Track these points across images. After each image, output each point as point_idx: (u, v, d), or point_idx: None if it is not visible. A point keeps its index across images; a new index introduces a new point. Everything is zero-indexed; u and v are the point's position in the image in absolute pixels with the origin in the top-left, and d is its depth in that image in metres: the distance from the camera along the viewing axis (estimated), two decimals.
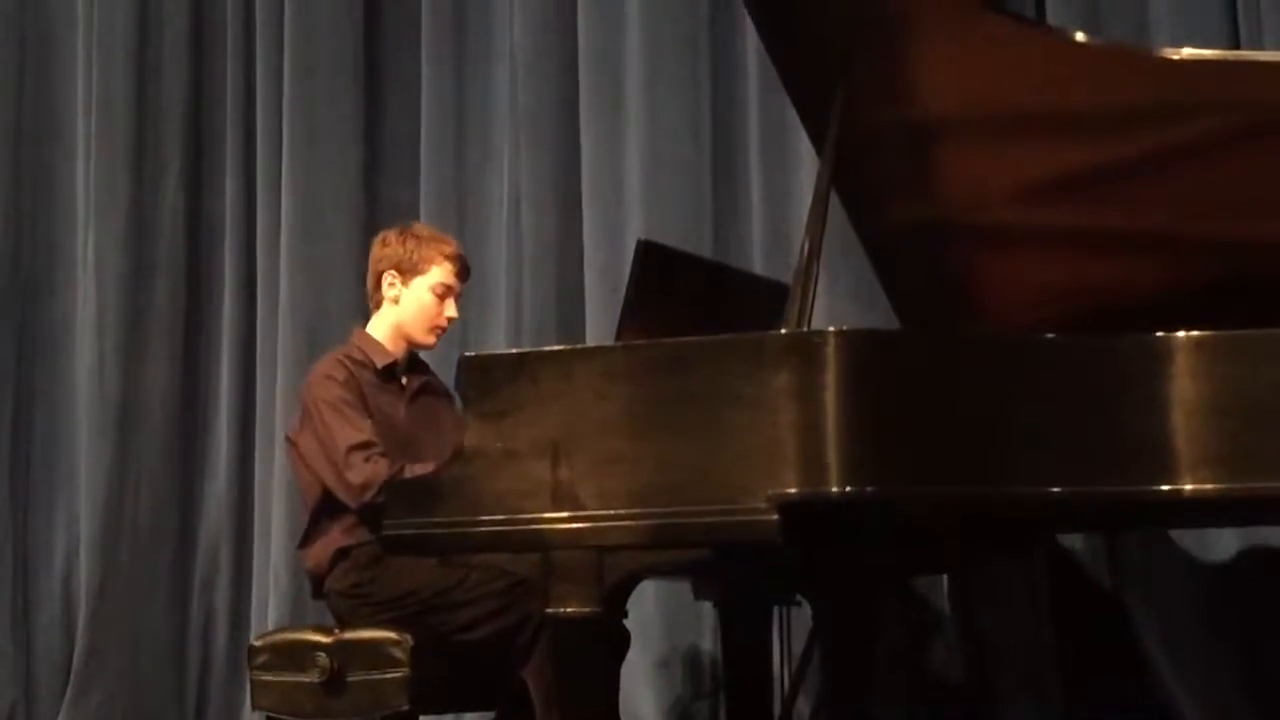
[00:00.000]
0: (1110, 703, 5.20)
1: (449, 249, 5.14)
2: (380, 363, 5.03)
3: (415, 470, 4.53)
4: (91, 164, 6.94)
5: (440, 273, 5.07)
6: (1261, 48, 5.32)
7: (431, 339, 5.06)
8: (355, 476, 4.72)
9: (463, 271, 5.18)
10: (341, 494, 4.79)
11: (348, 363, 4.98)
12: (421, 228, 5.28)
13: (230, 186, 6.87)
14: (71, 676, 6.64)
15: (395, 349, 5.07)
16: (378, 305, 5.14)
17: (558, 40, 6.34)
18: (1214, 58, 4.70)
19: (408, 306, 5.08)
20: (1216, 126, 4.39)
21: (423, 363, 5.13)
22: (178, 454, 6.81)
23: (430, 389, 5.05)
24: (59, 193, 7.12)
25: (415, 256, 5.08)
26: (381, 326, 5.11)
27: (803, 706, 5.21)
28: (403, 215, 6.31)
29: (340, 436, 4.81)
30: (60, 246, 7.10)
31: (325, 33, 6.69)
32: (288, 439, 5.11)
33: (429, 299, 5.06)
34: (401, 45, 6.74)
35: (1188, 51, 4.58)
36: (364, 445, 4.77)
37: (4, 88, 7.13)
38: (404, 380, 5.08)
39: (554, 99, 6.34)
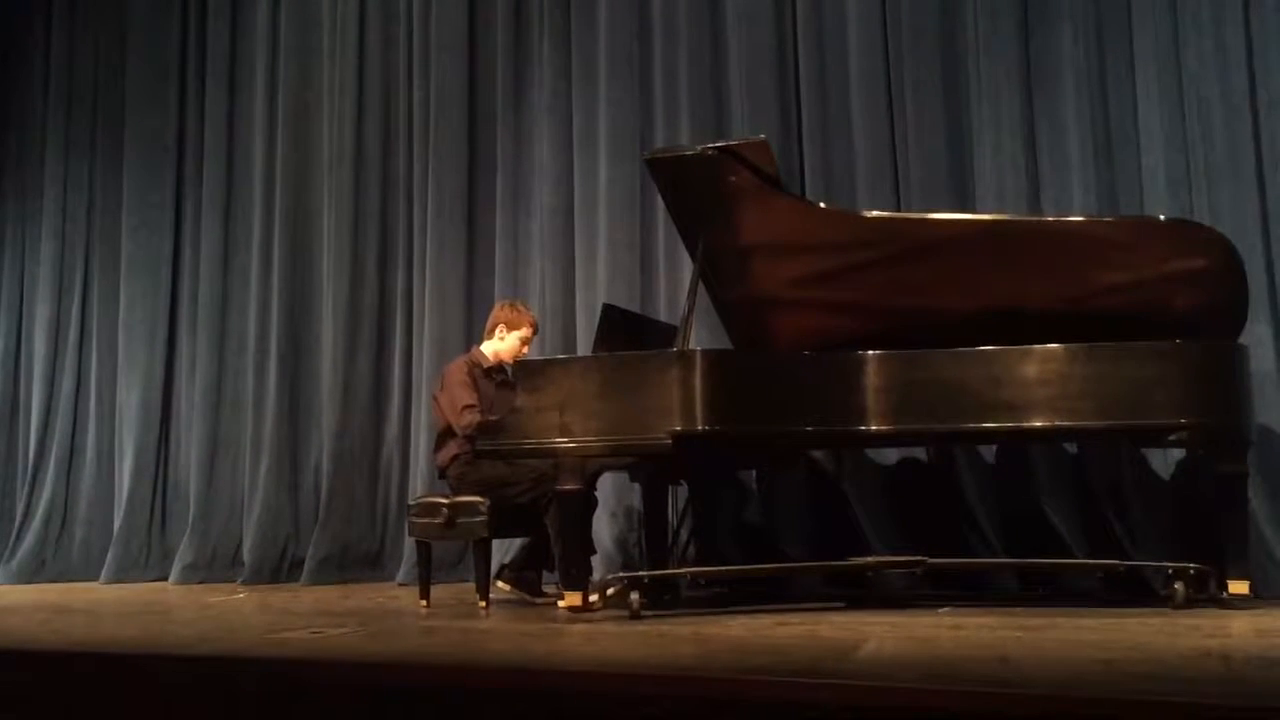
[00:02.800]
0: (835, 544, 5.04)
1: (532, 319, 5.18)
2: (485, 366, 5.03)
3: (492, 418, 4.54)
4: (330, 261, 6.83)
5: (526, 331, 5.10)
6: (911, 210, 5.26)
7: (512, 361, 4.99)
8: (464, 420, 4.74)
9: (535, 331, 5.22)
10: (456, 428, 4.80)
11: (469, 364, 5.01)
12: (521, 304, 5.31)
13: (400, 275, 6.73)
14: (317, 521, 6.54)
15: (494, 361, 5.07)
16: (489, 337, 5.13)
17: (564, 201, 6.24)
18: (889, 215, 4.76)
19: (506, 344, 5.08)
20: (891, 249, 4.43)
21: (504, 368, 5.06)
22: (372, 410, 6.67)
23: (506, 383, 4.96)
24: (314, 276, 6.95)
25: (515, 319, 5.10)
26: (489, 348, 5.09)
27: (683, 537, 5.20)
28: (488, 294, 6.28)
29: (460, 399, 4.83)
30: (314, 303, 6.92)
31: (448, 192, 6.59)
32: (433, 397, 5.11)
33: (516, 343, 5.08)
34: (485, 206, 6.55)
35: (874, 212, 4.70)
36: (471, 406, 4.79)
37: (287, 219, 6.99)
38: (494, 376, 5.04)
39: (562, 233, 6.23)
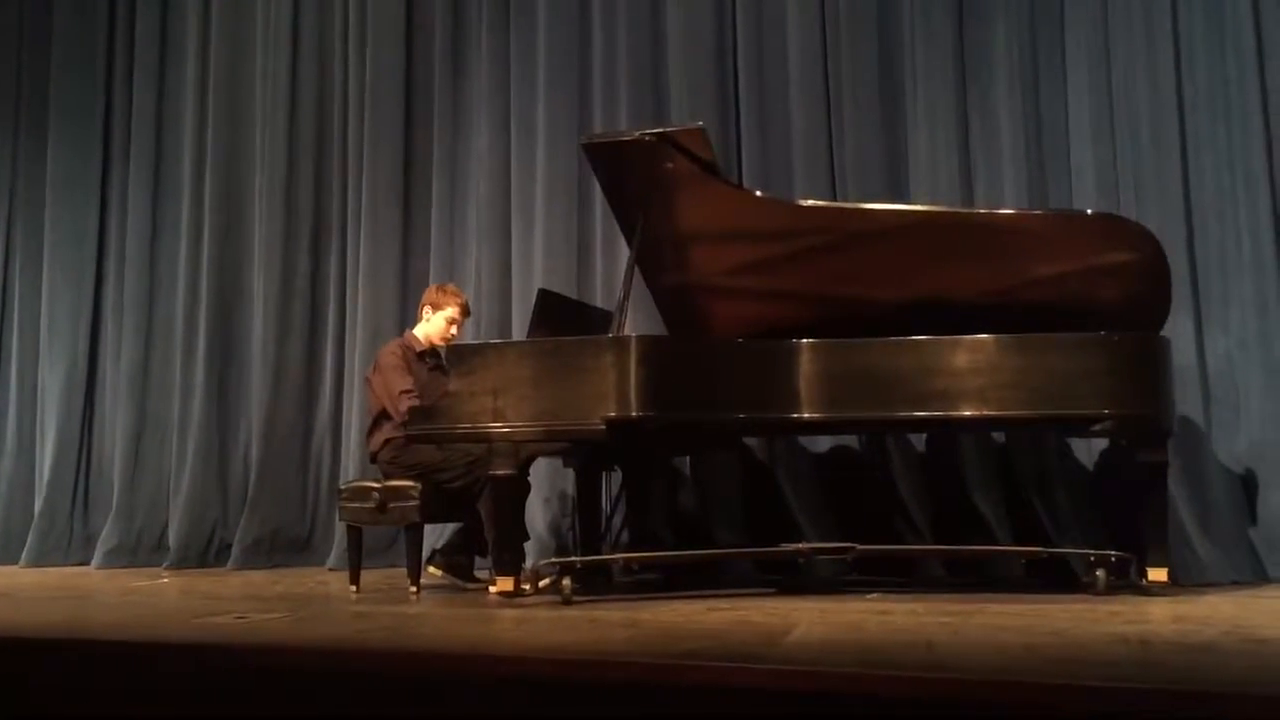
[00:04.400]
0: (767, 531, 5.11)
1: (460, 300, 5.10)
2: (417, 349, 4.99)
3: (426, 402, 4.51)
4: (261, 242, 6.73)
5: (452, 312, 5.04)
6: (847, 200, 5.30)
7: (442, 343, 4.96)
8: (400, 404, 4.68)
9: (464, 313, 5.13)
10: (391, 412, 4.75)
11: (401, 347, 4.96)
12: (451, 286, 5.22)
13: (334, 258, 6.65)
14: (246, 505, 6.45)
15: (425, 344, 5.02)
16: (419, 320, 5.09)
17: (501, 191, 6.21)
18: (825, 204, 4.79)
19: (432, 325, 5.04)
20: (827, 239, 4.44)
21: (438, 352, 5.01)
22: (304, 391, 6.59)
23: (439, 366, 4.94)
24: (245, 256, 6.84)
25: (442, 301, 5.05)
26: (420, 331, 5.05)
27: (616, 523, 5.19)
28: (422, 277, 6.23)
29: (395, 383, 4.78)
30: (245, 283, 6.82)
31: (384, 177, 6.53)
32: (366, 380, 5.07)
33: (443, 324, 5.03)
34: (421, 192, 6.51)
35: (810, 201, 4.71)
36: (408, 391, 4.74)
37: (218, 197, 6.86)
38: (427, 360, 5.00)
39: (498, 219, 6.20)
